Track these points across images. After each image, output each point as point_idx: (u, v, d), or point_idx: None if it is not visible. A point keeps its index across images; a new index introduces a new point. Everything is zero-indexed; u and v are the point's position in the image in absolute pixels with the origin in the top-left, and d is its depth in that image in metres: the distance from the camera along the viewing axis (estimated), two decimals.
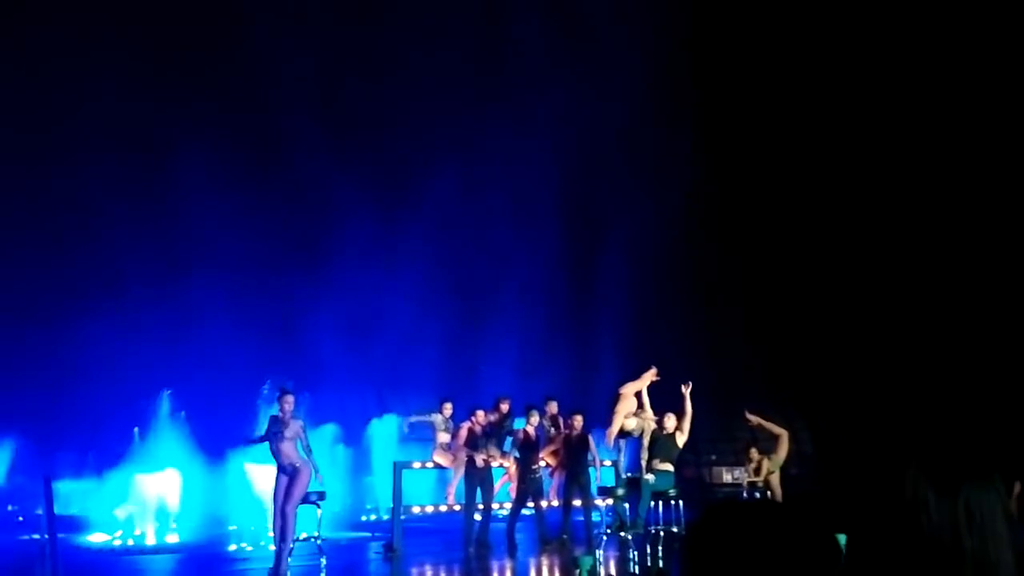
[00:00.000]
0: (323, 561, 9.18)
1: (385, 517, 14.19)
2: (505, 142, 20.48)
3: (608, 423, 10.47)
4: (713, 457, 20.95)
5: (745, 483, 12.60)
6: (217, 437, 15.44)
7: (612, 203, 21.16)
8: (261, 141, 20.67)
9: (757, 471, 12.26)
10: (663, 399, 10.64)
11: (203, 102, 19.76)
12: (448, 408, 11.71)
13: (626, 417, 10.50)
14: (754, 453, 12.50)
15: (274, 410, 9.24)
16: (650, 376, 10.60)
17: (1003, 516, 1.60)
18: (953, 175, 18.57)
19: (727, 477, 20.46)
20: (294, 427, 8.93)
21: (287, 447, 8.88)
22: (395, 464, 11.53)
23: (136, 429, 16.09)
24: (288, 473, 8.92)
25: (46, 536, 6.78)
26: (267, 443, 9.08)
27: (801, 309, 20.09)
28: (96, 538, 13.99)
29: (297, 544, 9.32)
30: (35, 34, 19.58)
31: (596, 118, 20.09)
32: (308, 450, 9.08)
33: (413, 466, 11.83)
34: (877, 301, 18.94)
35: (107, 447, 16.22)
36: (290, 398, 9.03)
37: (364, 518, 15.58)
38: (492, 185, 20.52)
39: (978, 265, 17.97)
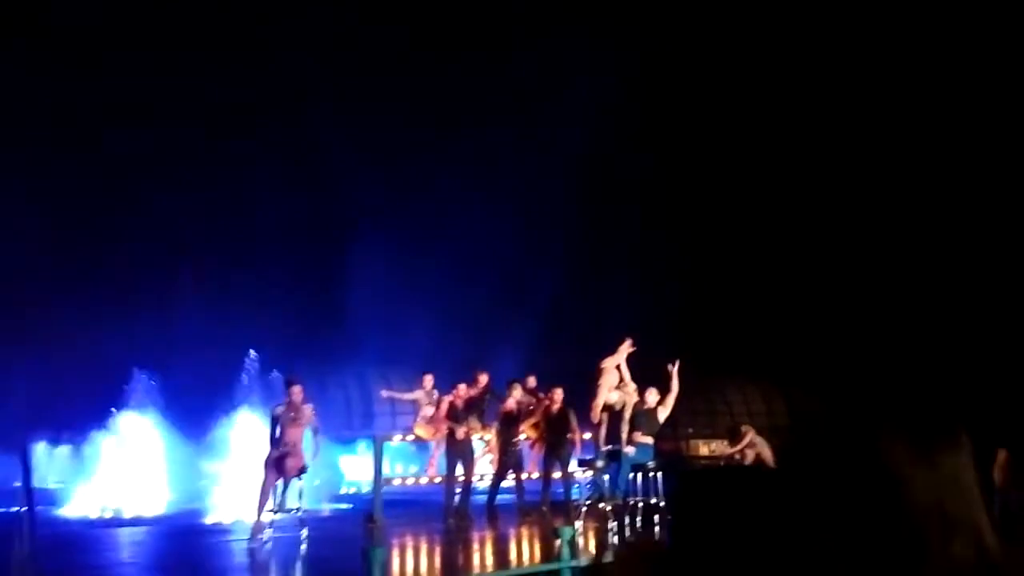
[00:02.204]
0: (304, 532, 9.20)
1: (365, 489, 14.25)
2: (516, 151, 20.63)
3: (592, 396, 10.55)
4: (691, 430, 21.23)
5: (724, 455, 12.78)
6: (196, 410, 15.40)
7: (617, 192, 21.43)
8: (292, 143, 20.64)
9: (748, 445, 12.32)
10: (650, 374, 10.74)
11: (241, 108, 19.70)
12: (429, 381, 11.72)
13: (609, 390, 10.58)
14: (747, 429, 12.55)
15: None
16: (626, 348, 10.66)
17: (976, 479, 1.62)
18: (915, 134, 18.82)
19: (704, 450, 20.75)
20: (307, 414, 9.21)
21: (295, 433, 9.16)
22: (375, 437, 11.54)
23: (112, 409, 16.00)
24: (285, 452, 9.14)
25: (23, 509, 6.70)
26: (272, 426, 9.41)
27: (773, 279, 20.34)
28: (72, 511, 13.92)
29: (278, 516, 9.38)
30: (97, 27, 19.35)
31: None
32: (316, 432, 9.47)
33: (393, 439, 11.87)
34: (841, 272, 19.21)
35: (83, 420, 16.12)
36: (297, 388, 9.31)
37: (344, 490, 15.62)
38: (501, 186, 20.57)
39: (939, 223, 18.18)
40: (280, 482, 9.30)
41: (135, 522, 12.76)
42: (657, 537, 8.53)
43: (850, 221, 19.37)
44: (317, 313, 19.47)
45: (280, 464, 9.16)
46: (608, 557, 8.35)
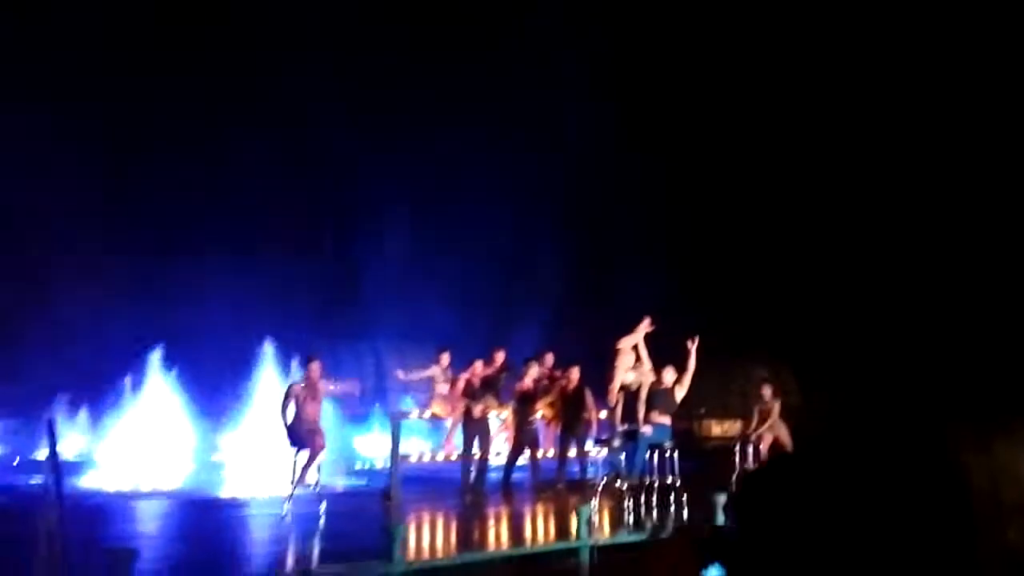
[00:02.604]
0: (323, 507, 9.28)
1: (379, 465, 14.33)
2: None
3: (609, 380, 10.53)
4: (703, 410, 21.24)
5: (741, 434, 12.76)
6: (213, 384, 15.50)
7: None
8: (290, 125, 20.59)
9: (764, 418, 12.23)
10: (666, 353, 10.70)
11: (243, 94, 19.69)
12: (445, 358, 11.74)
13: (625, 371, 10.56)
14: (771, 404, 12.47)
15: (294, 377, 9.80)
16: (644, 327, 10.62)
17: None
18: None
19: (716, 430, 20.80)
20: (324, 389, 9.35)
21: (314, 409, 9.26)
22: (392, 414, 11.59)
23: (128, 377, 16.10)
24: (311, 429, 9.24)
25: (49, 479, 6.76)
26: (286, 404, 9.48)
27: (792, 254, 20.07)
28: (91, 482, 14.05)
29: (298, 491, 9.49)
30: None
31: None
32: (336, 386, 9.97)
33: (410, 416, 11.92)
34: (872, 245, 18.76)
35: (103, 392, 16.24)
36: (316, 364, 9.46)
37: (358, 466, 15.73)
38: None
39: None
40: (302, 457, 9.40)
41: (154, 495, 12.88)
42: (707, 522, 8.54)
43: (896, 202, 18.79)
44: (334, 288, 19.52)
45: (310, 439, 9.27)
46: (665, 533, 8.37)
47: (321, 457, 9.61)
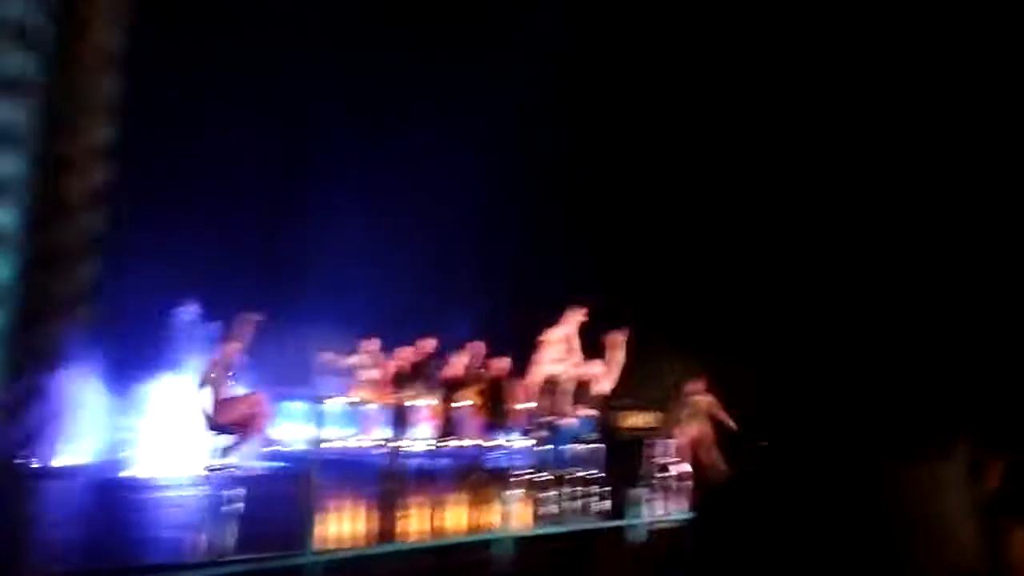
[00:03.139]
0: (238, 491, 9.01)
1: (297, 448, 14.02)
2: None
3: (529, 371, 10.53)
4: (622, 401, 21.47)
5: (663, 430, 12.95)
6: (120, 357, 14.88)
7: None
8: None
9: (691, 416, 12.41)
10: (594, 343, 10.77)
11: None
12: (373, 344, 11.57)
13: (550, 363, 10.59)
14: (700, 401, 12.67)
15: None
16: (576, 318, 10.65)
17: (963, 487, 1.63)
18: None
19: (638, 422, 21.07)
20: (238, 360, 9.13)
21: (231, 392, 9.04)
22: (315, 398, 11.32)
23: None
24: (228, 415, 8.99)
25: None
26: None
27: (728, 244, 20.08)
28: None
29: (212, 473, 9.18)
30: None
31: None
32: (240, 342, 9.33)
33: (333, 400, 11.68)
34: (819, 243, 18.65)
35: None
36: (231, 346, 9.11)
37: (276, 448, 15.35)
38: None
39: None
40: (220, 440, 9.12)
41: (56, 474, 12.30)
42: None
43: (838, 218, 18.59)
44: (260, 264, 18.89)
45: (230, 425, 9.00)
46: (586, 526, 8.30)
47: (243, 440, 9.34)
